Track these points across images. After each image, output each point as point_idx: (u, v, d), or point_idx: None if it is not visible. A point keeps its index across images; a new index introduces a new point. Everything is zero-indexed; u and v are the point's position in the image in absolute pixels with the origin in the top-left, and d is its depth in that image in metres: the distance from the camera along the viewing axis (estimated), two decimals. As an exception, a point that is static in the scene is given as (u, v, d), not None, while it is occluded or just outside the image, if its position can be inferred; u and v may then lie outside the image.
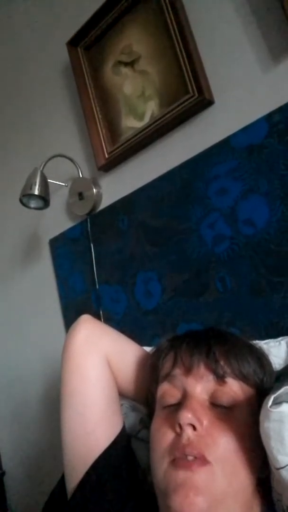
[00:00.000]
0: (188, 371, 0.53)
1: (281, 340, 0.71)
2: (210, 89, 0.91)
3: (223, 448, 0.47)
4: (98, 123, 1.12)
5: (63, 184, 1.22)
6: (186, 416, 0.47)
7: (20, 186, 1.11)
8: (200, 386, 0.52)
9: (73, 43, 1.15)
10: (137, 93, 1.05)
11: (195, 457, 0.46)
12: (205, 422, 0.48)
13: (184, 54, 0.93)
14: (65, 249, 1.23)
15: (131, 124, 1.06)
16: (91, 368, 0.62)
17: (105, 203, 1.14)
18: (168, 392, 0.54)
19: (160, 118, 0.98)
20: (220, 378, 0.52)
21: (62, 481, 0.61)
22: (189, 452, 0.46)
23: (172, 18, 0.95)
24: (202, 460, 0.46)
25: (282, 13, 0.78)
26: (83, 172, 1.19)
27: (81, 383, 0.61)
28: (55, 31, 1.28)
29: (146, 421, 0.65)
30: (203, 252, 0.90)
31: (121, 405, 0.67)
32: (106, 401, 0.61)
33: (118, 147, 1.07)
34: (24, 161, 1.39)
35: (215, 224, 0.88)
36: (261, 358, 0.58)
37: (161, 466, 0.48)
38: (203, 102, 0.91)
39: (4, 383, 1.47)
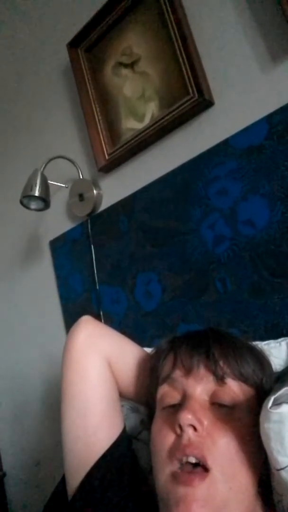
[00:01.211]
0: (188, 372, 0.53)
1: (282, 341, 0.71)
2: (210, 90, 0.92)
3: (223, 450, 0.47)
4: (98, 125, 1.12)
5: (64, 185, 1.22)
6: (186, 417, 0.47)
7: (20, 188, 1.11)
8: (200, 387, 0.52)
9: (73, 45, 1.16)
10: (137, 95, 1.05)
11: (196, 458, 0.46)
12: (205, 423, 0.48)
13: (184, 55, 0.93)
14: (65, 250, 1.23)
15: (131, 125, 1.06)
16: (91, 369, 0.62)
17: (105, 204, 1.14)
18: (168, 393, 0.54)
19: (160, 120, 0.98)
20: (220, 379, 0.51)
21: (62, 482, 0.61)
22: (190, 452, 0.46)
23: (172, 19, 0.95)
24: (203, 471, 0.45)
25: (281, 14, 0.78)
26: (84, 173, 1.19)
27: (82, 384, 0.61)
28: (56, 33, 1.29)
29: (146, 422, 0.65)
30: (203, 253, 0.90)
31: (122, 406, 0.67)
32: (107, 402, 0.61)
33: (118, 149, 1.07)
34: (24, 162, 1.39)
35: (215, 225, 0.88)
36: (261, 359, 0.58)
37: (163, 473, 0.48)
38: (203, 103, 0.91)
39: (4, 383, 1.47)
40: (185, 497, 0.44)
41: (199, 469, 0.46)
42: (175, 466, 0.47)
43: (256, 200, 0.82)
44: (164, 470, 0.48)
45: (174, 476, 0.47)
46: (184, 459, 0.46)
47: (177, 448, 0.48)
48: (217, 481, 0.45)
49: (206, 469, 0.46)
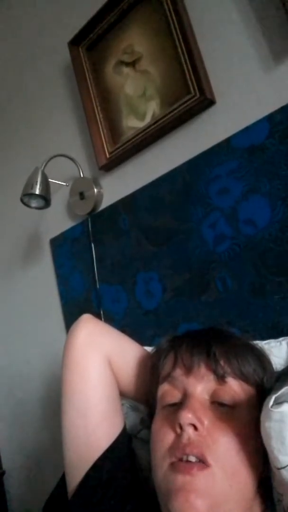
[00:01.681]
0: (188, 371, 0.53)
1: (282, 340, 0.71)
2: (212, 89, 0.91)
3: (224, 448, 0.47)
4: (99, 123, 1.12)
5: (64, 183, 1.22)
6: (186, 416, 0.47)
7: (21, 186, 1.11)
8: (201, 386, 0.52)
9: (74, 43, 1.16)
10: (139, 93, 1.05)
11: (196, 458, 0.46)
12: (206, 422, 0.48)
13: (185, 54, 0.93)
14: (65, 249, 1.23)
15: (132, 124, 1.06)
16: (92, 368, 0.62)
17: (106, 203, 1.14)
18: (168, 392, 0.54)
19: (161, 118, 0.98)
20: (221, 378, 0.51)
21: (62, 481, 0.61)
22: (190, 451, 0.46)
23: (174, 18, 0.95)
24: (202, 464, 0.45)
25: (283, 13, 0.78)
26: (84, 171, 1.19)
27: (82, 383, 0.61)
28: (57, 31, 1.28)
29: (146, 421, 0.65)
30: (204, 252, 0.90)
31: (122, 405, 0.67)
32: (107, 401, 0.61)
33: (119, 147, 1.07)
34: (25, 160, 1.39)
35: (216, 224, 0.88)
36: (261, 358, 0.58)
37: (161, 467, 0.48)
38: (204, 102, 0.91)
39: (4, 382, 1.47)
40: (184, 487, 0.44)
41: (199, 462, 0.46)
42: (173, 459, 0.47)
43: (257, 200, 0.82)
44: (163, 464, 0.48)
45: (173, 466, 0.47)
46: (184, 458, 0.46)
47: (177, 447, 0.48)
48: (217, 477, 0.45)
49: (206, 465, 0.46)
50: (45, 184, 1.10)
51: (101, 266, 1.12)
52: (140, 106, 1.04)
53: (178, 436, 0.48)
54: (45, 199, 1.11)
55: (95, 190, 1.15)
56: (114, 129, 1.10)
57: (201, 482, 0.44)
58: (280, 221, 0.79)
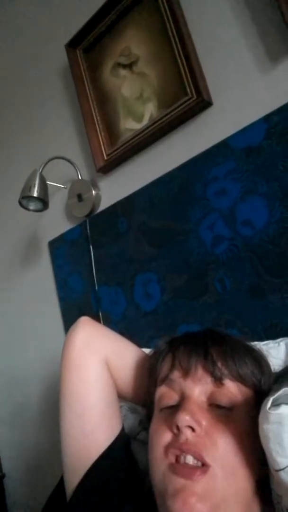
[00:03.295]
0: (186, 373, 0.53)
1: (280, 341, 0.71)
2: (209, 90, 0.92)
3: (222, 449, 0.47)
4: (97, 125, 1.12)
5: (62, 186, 1.22)
6: (184, 418, 0.47)
7: (19, 188, 1.11)
8: (198, 388, 0.52)
9: (72, 45, 1.16)
10: (136, 95, 1.05)
11: (194, 458, 0.46)
12: (204, 423, 0.48)
13: (182, 56, 0.93)
14: (64, 251, 1.23)
15: (129, 126, 1.06)
16: (90, 370, 0.62)
17: (104, 204, 1.14)
18: (166, 394, 0.54)
19: (158, 120, 0.98)
20: (218, 380, 0.51)
21: (61, 483, 0.61)
22: (187, 449, 0.46)
23: (171, 20, 0.95)
24: (203, 467, 0.45)
25: (279, 14, 0.78)
26: (82, 174, 1.19)
27: (80, 385, 0.61)
28: (54, 33, 1.29)
29: (145, 423, 0.65)
30: (202, 253, 0.90)
31: (121, 407, 0.67)
32: (105, 402, 0.61)
33: (117, 149, 1.08)
34: (23, 163, 1.39)
35: (214, 225, 0.88)
36: (259, 359, 0.58)
37: (159, 467, 0.48)
38: (202, 103, 0.91)
39: (3, 384, 1.46)
40: (183, 490, 0.44)
41: (199, 464, 0.46)
42: (171, 460, 0.47)
43: (255, 201, 0.82)
44: (160, 465, 0.48)
45: (172, 467, 0.46)
46: (182, 459, 0.46)
47: (173, 445, 0.48)
48: (216, 477, 0.45)
49: (206, 466, 0.45)
50: (43, 187, 1.09)
51: (99, 268, 1.12)
52: (137, 108, 1.05)
53: (176, 436, 0.48)
54: (43, 202, 1.11)
55: (93, 192, 1.15)
56: (111, 131, 1.11)
57: (202, 486, 0.44)
58: (277, 222, 0.79)
